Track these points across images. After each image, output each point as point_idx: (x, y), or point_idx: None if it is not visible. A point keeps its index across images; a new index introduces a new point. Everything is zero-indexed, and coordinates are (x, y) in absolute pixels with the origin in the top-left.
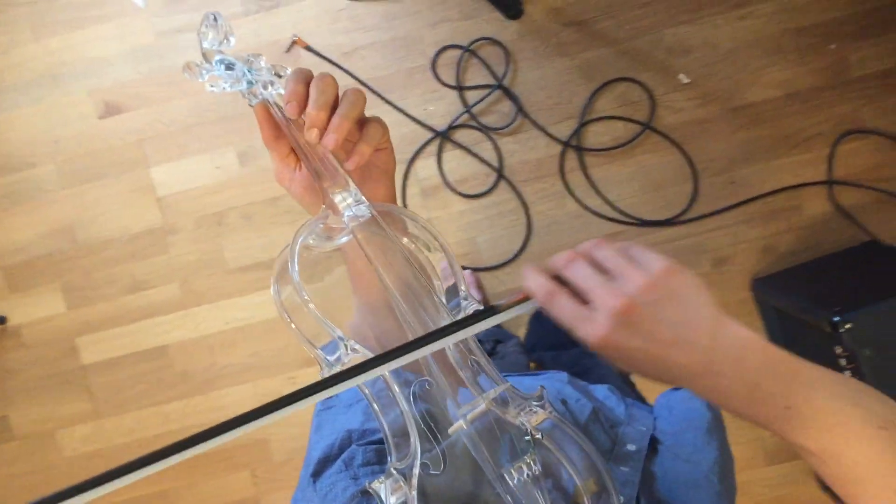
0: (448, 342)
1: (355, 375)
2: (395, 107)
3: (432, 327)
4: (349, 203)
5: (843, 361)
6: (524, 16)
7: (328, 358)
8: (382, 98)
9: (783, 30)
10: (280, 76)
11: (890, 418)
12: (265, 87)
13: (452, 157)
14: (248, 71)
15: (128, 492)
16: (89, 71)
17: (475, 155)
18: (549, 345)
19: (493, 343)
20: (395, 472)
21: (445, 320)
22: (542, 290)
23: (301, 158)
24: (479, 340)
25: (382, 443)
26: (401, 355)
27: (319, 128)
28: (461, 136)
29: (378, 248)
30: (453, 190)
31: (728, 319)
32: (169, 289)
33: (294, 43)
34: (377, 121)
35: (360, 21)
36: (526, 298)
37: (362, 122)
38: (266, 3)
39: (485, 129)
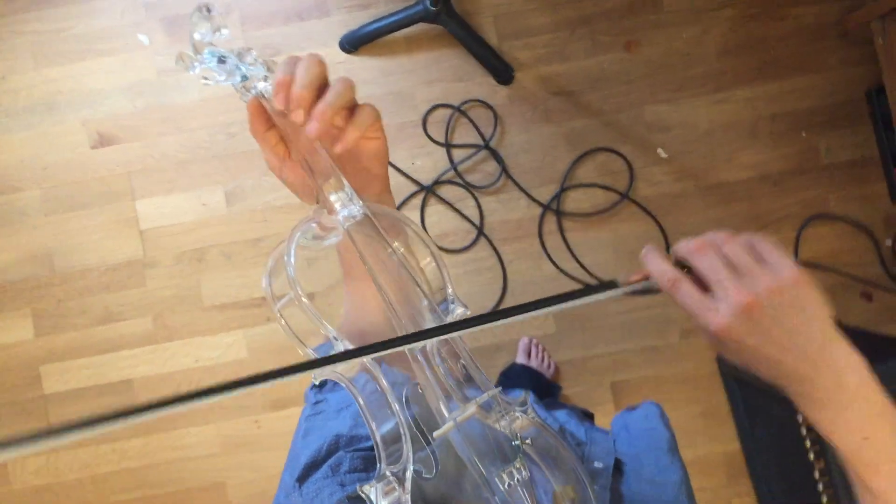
0: (476, 328)
1: (349, 358)
2: None
3: (423, 324)
4: (344, 202)
5: (803, 430)
6: (515, 82)
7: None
8: None
9: (758, 115)
10: (272, 70)
11: None
12: (258, 81)
13: (435, 211)
14: (242, 64)
15: None
16: (86, 101)
17: (457, 211)
18: None
19: (474, 363)
20: (389, 474)
21: (440, 318)
22: (666, 276)
23: (294, 156)
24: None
25: (370, 450)
26: (401, 344)
27: (304, 108)
28: (445, 191)
29: (371, 248)
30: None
31: (840, 338)
32: (141, 322)
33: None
34: (369, 106)
35: (356, 74)
36: (645, 278)
37: (352, 109)
38: (268, 50)
39: (468, 187)
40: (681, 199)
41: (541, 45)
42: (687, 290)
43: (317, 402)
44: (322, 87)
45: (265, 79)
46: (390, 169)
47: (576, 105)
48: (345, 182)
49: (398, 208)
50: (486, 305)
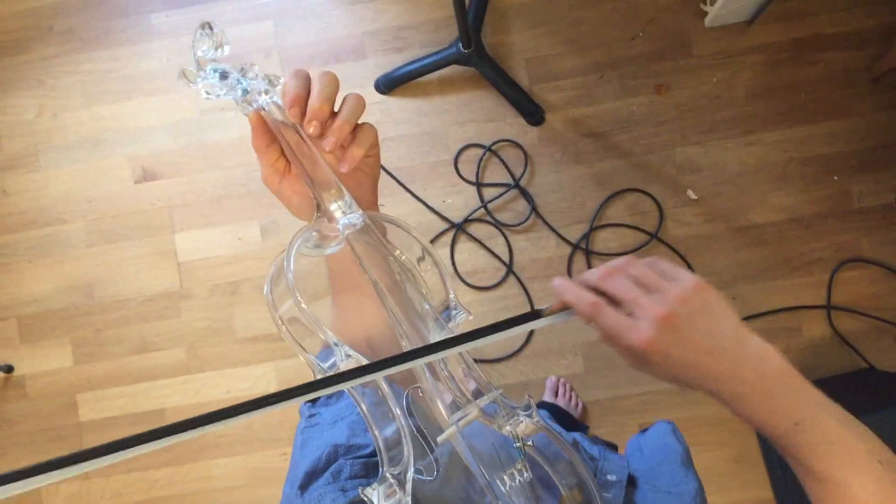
0: (467, 347)
1: (359, 376)
2: (416, 196)
3: (426, 332)
4: (344, 210)
5: None
6: (545, 123)
7: (322, 365)
8: (404, 187)
9: (789, 158)
10: (274, 84)
11: (886, 455)
12: (261, 95)
13: (465, 248)
14: (243, 79)
15: None
16: (131, 138)
17: (487, 248)
18: None
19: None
20: (390, 476)
21: (441, 325)
22: (585, 301)
23: (294, 165)
24: None
25: (369, 457)
26: (405, 361)
27: (320, 120)
28: (475, 229)
29: (372, 256)
30: (463, 280)
31: (751, 332)
32: (175, 353)
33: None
34: (369, 126)
35: (391, 114)
36: (563, 308)
37: (356, 127)
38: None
39: (498, 225)
40: (710, 240)
41: (570, 87)
42: (608, 312)
43: (311, 416)
44: (335, 102)
45: (266, 93)
46: (423, 206)
47: (605, 146)
48: (345, 191)
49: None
50: (515, 344)
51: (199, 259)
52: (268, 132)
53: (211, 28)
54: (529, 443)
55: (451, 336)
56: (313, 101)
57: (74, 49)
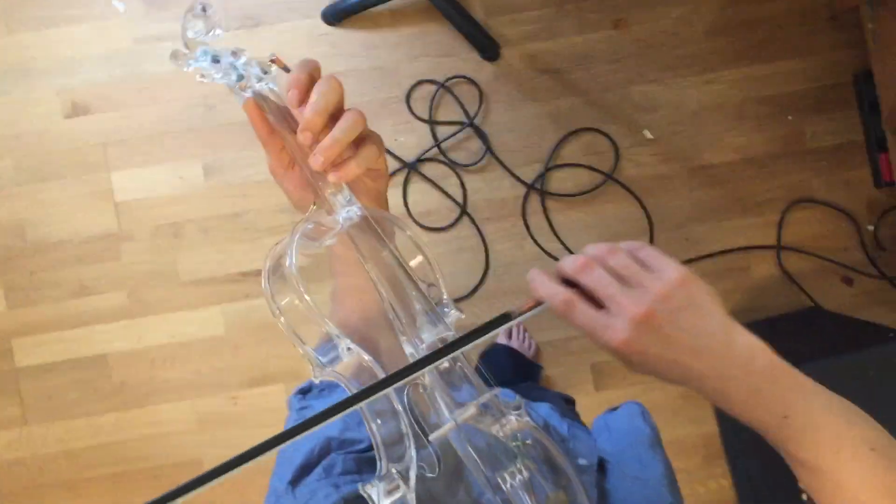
0: (455, 354)
1: (364, 398)
2: None
3: (422, 327)
4: (342, 203)
5: None
6: (501, 59)
7: (321, 359)
8: None
9: (745, 97)
10: (268, 72)
11: (880, 441)
12: (258, 81)
13: (418, 189)
14: (238, 64)
15: None
16: (60, 69)
17: (441, 189)
18: (499, 381)
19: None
20: (394, 471)
21: (436, 318)
22: (558, 298)
23: (293, 156)
24: None
25: (362, 452)
26: (406, 375)
27: (313, 132)
28: (428, 169)
29: (369, 248)
30: (416, 221)
31: (738, 326)
32: (116, 296)
33: (272, 62)
34: (375, 142)
35: (339, 47)
36: (537, 304)
37: (360, 139)
38: (248, 22)
39: (452, 165)
40: (666, 180)
41: (528, 21)
42: (581, 310)
43: (302, 409)
44: (335, 112)
45: (261, 79)
46: None
47: (562, 83)
48: (344, 185)
49: None
50: (468, 284)
51: (139, 199)
52: (266, 121)
53: (205, 10)
54: (528, 441)
55: (442, 336)
56: (307, 112)
57: None
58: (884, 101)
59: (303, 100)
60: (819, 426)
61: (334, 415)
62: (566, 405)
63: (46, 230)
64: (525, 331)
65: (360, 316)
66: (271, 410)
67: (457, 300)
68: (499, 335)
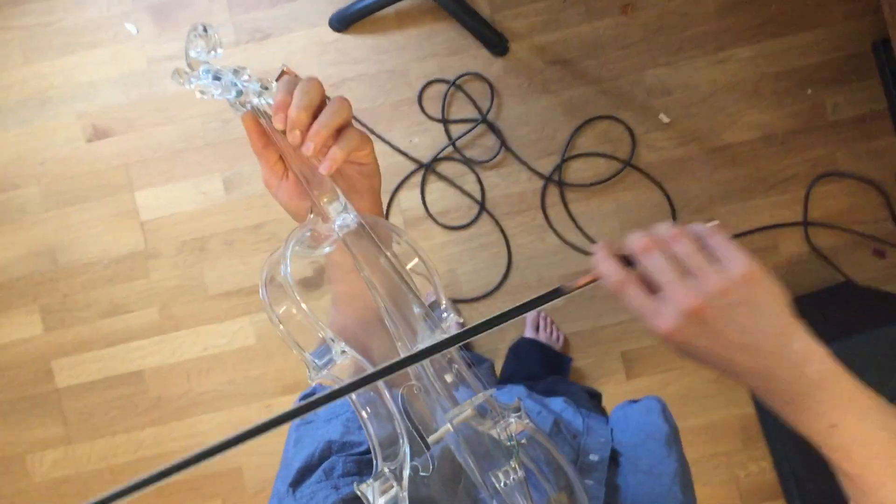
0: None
1: (359, 386)
2: (381, 138)
3: (420, 333)
4: (338, 211)
5: None
6: (509, 53)
7: (316, 362)
8: (369, 129)
9: (761, 74)
10: (267, 88)
11: None
12: (255, 97)
13: (436, 188)
14: (238, 81)
15: None
16: (78, 95)
17: (458, 187)
18: (524, 376)
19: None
20: (387, 471)
21: (433, 324)
22: (613, 277)
23: (289, 165)
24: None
25: (363, 455)
26: (404, 365)
27: (301, 129)
28: (445, 168)
29: (366, 256)
30: (435, 221)
31: (798, 328)
32: (147, 313)
33: (283, 73)
34: (356, 130)
35: (348, 53)
36: (593, 280)
37: (342, 129)
38: (257, 34)
39: (468, 163)
40: (685, 163)
41: (534, 13)
42: (633, 294)
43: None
44: (319, 108)
45: (260, 95)
46: (390, 148)
47: (573, 73)
48: (339, 192)
49: (398, 187)
50: (492, 281)
51: (163, 217)
52: (263, 134)
53: (206, 30)
54: (523, 441)
55: (444, 337)
56: (291, 111)
57: (5, 3)
58: None
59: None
60: (868, 441)
61: (330, 400)
62: (590, 400)
63: (76, 253)
64: (552, 323)
65: (358, 322)
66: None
67: (481, 297)
68: (527, 329)
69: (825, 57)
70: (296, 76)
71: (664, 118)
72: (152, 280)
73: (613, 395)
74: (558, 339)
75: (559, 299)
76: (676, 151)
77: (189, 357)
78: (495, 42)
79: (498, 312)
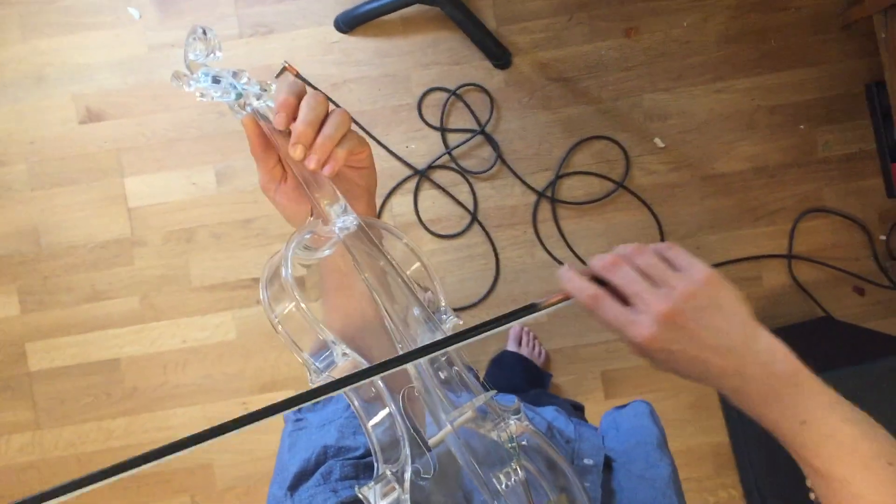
0: (458, 345)
1: (359, 380)
2: (378, 142)
3: (420, 335)
4: (339, 213)
5: None
6: (512, 67)
7: (317, 364)
8: (366, 131)
9: (756, 106)
10: (266, 90)
11: (894, 453)
12: (255, 99)
13: (429, 196)
14: (237, 83)
15: None
16: (75, 76)
17: (451, 196)
18: (507, 388)
19: (467, 368)
20: (389, 473)
21: (434, 326)
22: (586, 293)
23: (290, 168)
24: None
25: (360, 458)
26: (402, 363)
27: (305, 144)
28: (439, 176)
29: (366, 257)
30: (426, 228)
31: (762, 329)
32: (128, 301)
33: (285, 69)
34: (356, 133)
35: (351, 55)
36: (564, 298)
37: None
38: (261, 29)
39: (463, 172)
40: (676, 189)
41: (539, 29)
42: (608, 306)
43: (298, 420)
44: (323, 122)
45: (259, 97)
46: (386, 152)
47: (573, 91)
48: (339, 195)
49: (392, 191)
50: (479, 292)
51: (152, 205)
52: (263, 137)
53: (205, 33)
54: (524, 442)
55: (445, 336)
56: (298, 125)
57: None
58: None
59: (290, 121)
60: (836, 436)
61: (326, 393)
62: (575, 412)
63: (60, 235)
64: (535, 338)
65: (358, 324)
66: (281, 416)
67: (467, 307)
68: (509, 342)
69: (820, 94)
70: (298, 76)
71: (659, 143)
72: (136, 268)
73: (591, 413)
74: (540, 354)
75: (532, 316)
76: (669, 176)
77: (167, 349)
78: (499, 55)
79: (473, 325)
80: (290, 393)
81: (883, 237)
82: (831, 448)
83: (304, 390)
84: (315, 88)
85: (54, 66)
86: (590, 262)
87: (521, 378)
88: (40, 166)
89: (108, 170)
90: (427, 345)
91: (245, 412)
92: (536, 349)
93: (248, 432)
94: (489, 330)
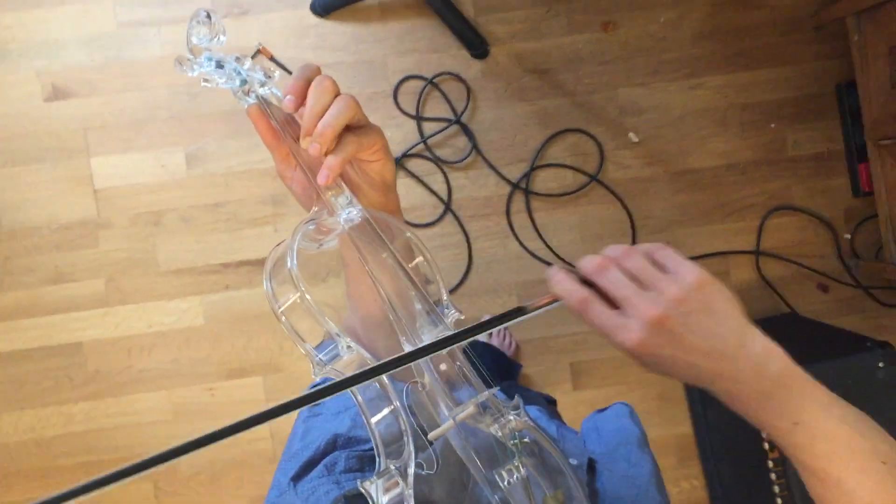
0: (454, 347)
1: (365, 379)
2: None
3: (423, 328)
4: (343, 205)
5: None
6: (489, 57)
7: (321, 357)
8: None
9: (729, 104)
10: (270, 77)
11: (892, 456)
12: (259, 86)
13: (403, 184)
14: (241, 69)
15: None
16: (41, 52)
17: (425, 185)
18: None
19: (471, 363)
20: (392, 468)
21: (436, 319)
22: (575, 296)
23: (296, 158)
24: None
25: (366, 451)
26: (404, 363)
27: (310, 134)
28: (414, 165)
29: (370, 250)
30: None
31: (754, 330)
32: (93, 284)
33: (259, 51)
34: (356, 136)
35: (327, 39)
36: (553, 301)
37: (350, 129)
38: (235, 10)
39: (438, 162)
40: (649, 183)
41: (517, 20)
42: (597, 310)
43: (314, 405)
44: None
45: (263, 84)
46: None
47: (549, 84)
48: (344, 186)
49: None
50: (450, 282)
51: (119, 186)
52: (270, 126)
53: (209, 17)
54: (526, 439)
55: (444, 334)
56: (305, 118)
57: None
58: (866, 112)
59: (299, 105)
60: (830, 436)
61: (328, 395)
62: (549, 406)
63: (23, 215)
64: (506, 328)
65: (362, 316)
66: (249, 402)
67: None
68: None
69: (791, 93)
70: (272, 59)
71: (634, 137)
72: (101, 250)
73: (560, 404)
74: (511, 345)
75: (520, 318)
76: (642, 171)
77: (132, 333)
78: (476, 44)
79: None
80: (258, 380)
81: (847, 236)
82: (824, 448)
83: (306, 392)
84: (289, 72)
85: (19, 41)
86: (578, 263)
87: (492, 368)
88: (3, 144)
89: (73, 149)
90: (419, 348)
91: (211, 398)
92: (507, 339)
93: (213, 419)
94: (476, 334)
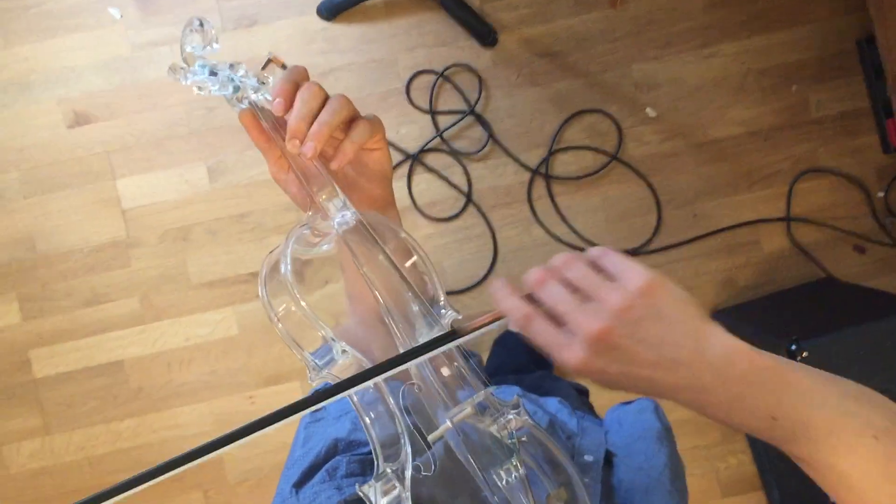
0: (432, 354)
1: (353, 385)
2: None
3: (419, 330)
4: (338, 208)
5: None
6: (498, 45)
7: (316, 361)
8: None
9: (747, 70)
10: (264, 83)
11: (883, 425)
12: (253, 92)
13: (422, 180)
14: (234, 76)
15: None
16: (60, 80)
17: (445, 179)
18: (511, 369)
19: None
20: (389, 471)
21: (432, 322)
22: (517, 313)
23: (289, 162)
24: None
25: (367, 455)
26: (395, 366)
27: (300, 138)
28: (432, 159)
29: (364, 252)
30: (422, 213)
31: (713, 330)
32: (128, 303)
33: (270, 61)
34: (367, 121)
35: (336, 42)
36: (496, 318)
37: (351, 122)
38: (244, 21)
39: (455, 154)
40: (671, 157)
41: (523, 4)
42: (540, 328)
43: (315, 410)
44: (319, 113)
45: (257, 90)
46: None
47: (561, 66)
48: (338, 189)
49: None
50: (477, 273)
51: (145, 205)
52: (262, 129)
53: (202, 24)
54: (524, 438)
55: (436, 336)
56: (291, 121)
57: None
58: (888, 67)
59: (287, 108)
60: (810, 423)
61: (326, 399)
62: (579, 396)
63: (56, 241)
64: None
65: (358, 319)
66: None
67: (466, 289)
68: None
69: (810, 54)
70: (283, 67)
71: (651, 112)
72: (134, 269)
73: (594, 396)
74: None
75: (457, 341)
76: (663, 146)
77: (170, 347)
78: (484, 33)
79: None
80: (295, 385)
81: (881, 194)
82: (807, 436)
83: (302, 397)
84: None
85: (38, 72)
86: (524, 276)
87: (526, 358)
88: (31, 173)
89: (99, 173)
90: (409, 350)
91: (251, 406)
92: None
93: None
94: (411, 360)
